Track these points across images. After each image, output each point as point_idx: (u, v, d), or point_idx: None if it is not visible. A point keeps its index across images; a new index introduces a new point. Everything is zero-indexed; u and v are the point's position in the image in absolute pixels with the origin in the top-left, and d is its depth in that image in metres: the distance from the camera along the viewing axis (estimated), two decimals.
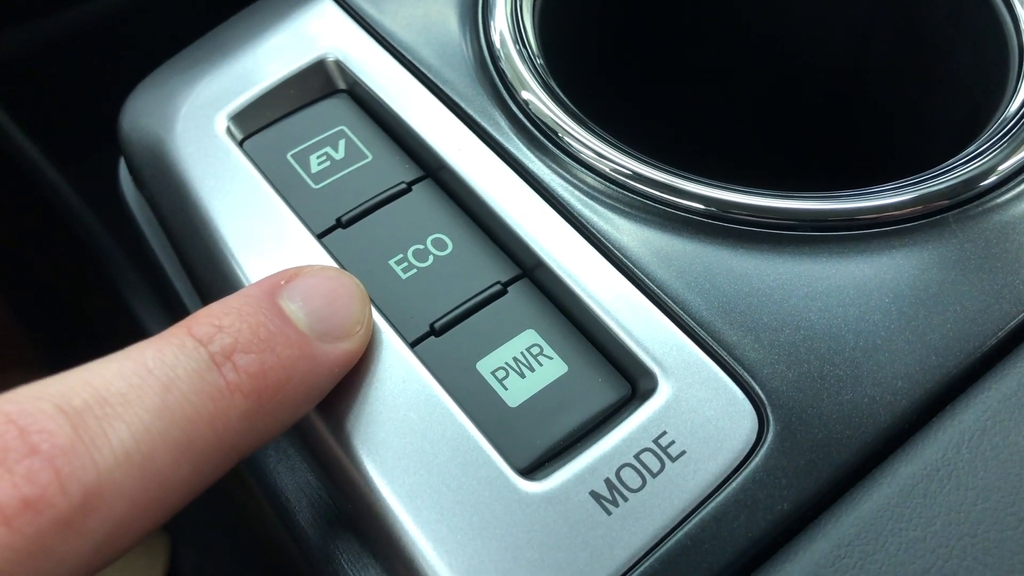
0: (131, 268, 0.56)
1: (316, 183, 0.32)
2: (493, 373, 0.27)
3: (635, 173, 0.29)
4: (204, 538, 0.64)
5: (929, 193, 0.29)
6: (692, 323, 0.27)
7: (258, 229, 0.30)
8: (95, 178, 0.46)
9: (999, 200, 0.29)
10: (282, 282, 0.26)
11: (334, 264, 0.29)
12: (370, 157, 0.32)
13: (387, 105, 0.33)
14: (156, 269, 0.39)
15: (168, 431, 0.21)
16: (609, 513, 0.24)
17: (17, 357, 0.74)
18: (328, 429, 0.26)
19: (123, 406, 0.21)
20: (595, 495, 0.24)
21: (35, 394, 0.20)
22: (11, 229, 0.66)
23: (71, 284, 0.68)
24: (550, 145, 0.31)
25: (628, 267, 0.28)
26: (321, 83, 0.34)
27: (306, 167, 0.32)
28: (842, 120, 0.43)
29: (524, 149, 0.31)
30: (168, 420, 0.21)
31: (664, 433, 0.25)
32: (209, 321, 0.24)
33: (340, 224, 0.30)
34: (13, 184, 0.61)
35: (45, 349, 0.75)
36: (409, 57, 0.34)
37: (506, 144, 0.31)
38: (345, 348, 0.25)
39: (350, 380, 0.26)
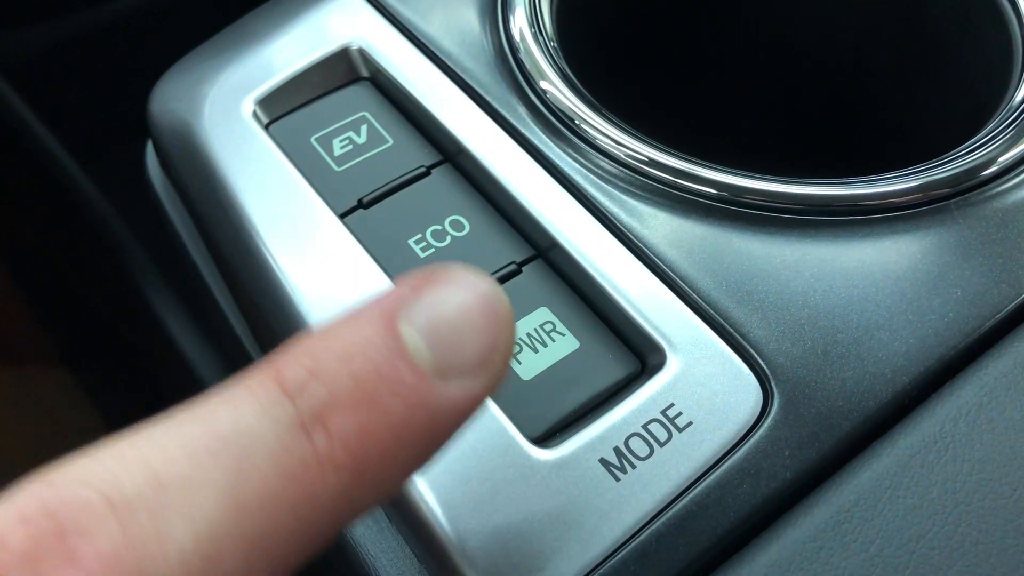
0: (151, 264, 0.57)
1: (339, 166, 0.33)
2: None
3: (650, 159, 0.30)
4: None
5: (932, 181, 0.29)
6: (701, 302, 0.28)
7: (282, 209, 0.31)
8: (117, 174, 0.47)
9: (999, 189, 0.30)
10: (408, 292, 0.19)
11: (358, 245, 0.30)
12: (391, 142, 0.33)
13: (408, 92, 0.34)
14: (180, 255, 0.40)
15: (239, 525, 0.16)
16: (618, 479, 0.25)
17: (36, 352, 0.75)
18: None
19: (184, 493, 0.16)
20: (604, 462, 0.25)
21: (79, 477, 0.16)
22: (29, 224, 0.67)
23: (90, 279, 0.68)
24: (567, 132, 0.32)
25: (640, 248, 0.29)
26: (345, 71, 0.35)
27: (329, 150, 0.33)
28: (850, 113, 0.44)
29: (541, 136, 0.32)
30: (239, 511, 0.16)
31: (672, 405, 0.26)
32: (302, 362, 0.18)
33: (361, 205, 0.31)
34: (32, 177, 0.62)
35: (63, 343, 0.76)
36: (431, 47, 0.35)
37: (524, 131, 0.32)
38: (473, 389, 0.19)
39: None
